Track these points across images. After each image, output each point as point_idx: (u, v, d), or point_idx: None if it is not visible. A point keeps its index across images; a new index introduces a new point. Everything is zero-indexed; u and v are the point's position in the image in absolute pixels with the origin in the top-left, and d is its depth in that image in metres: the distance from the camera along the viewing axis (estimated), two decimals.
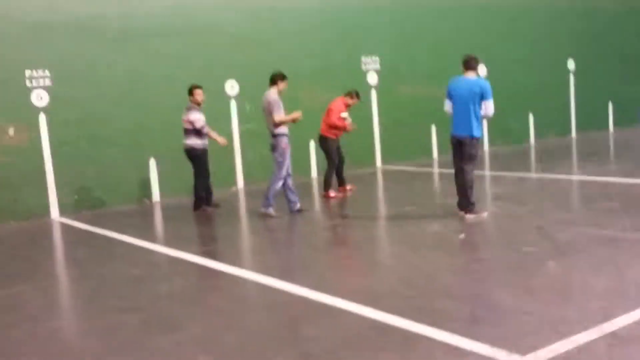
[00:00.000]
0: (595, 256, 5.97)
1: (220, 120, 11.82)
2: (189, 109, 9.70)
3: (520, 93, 15.73)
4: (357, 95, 10.61)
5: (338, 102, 10.48)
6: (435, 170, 13.12)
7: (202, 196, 9.78)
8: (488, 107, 7.83)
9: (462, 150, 7.96)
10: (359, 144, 13.50)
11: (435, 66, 14.22)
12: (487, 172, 11.94)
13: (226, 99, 11.94)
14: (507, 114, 14.27)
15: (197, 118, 9.61)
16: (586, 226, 7.13)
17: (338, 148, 10.48)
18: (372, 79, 13.84)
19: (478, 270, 5.97)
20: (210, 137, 9.82)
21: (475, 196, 8.06)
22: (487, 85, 7.86)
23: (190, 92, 9.75)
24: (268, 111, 8.86)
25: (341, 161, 10.52)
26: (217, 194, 10.53)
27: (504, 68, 15.38)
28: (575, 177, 10.77)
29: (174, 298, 5.77)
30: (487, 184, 10.86)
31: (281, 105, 8.86)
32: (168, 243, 7.89)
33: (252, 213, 9.35)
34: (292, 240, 7.89)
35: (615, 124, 18.20)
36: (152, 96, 11.03)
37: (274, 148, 8.98)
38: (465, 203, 8.01)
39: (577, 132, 17.35)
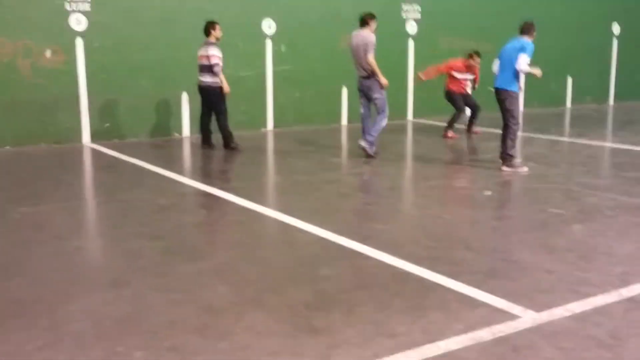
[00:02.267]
0: (621, 222, 5.90)
1: (255, 59, 11.77)
2: (207, 44, 9.50)
3: (560, 55, 15.35)
4: (477, 54, 11.31)
5: (458, 63, 11.24)
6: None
7: (228, 133, 9.71)
8: (520, 59, 7.96)
9: (499, 103, 8.24)
10: (392, 94, 13.38)
11: (475, 21, 13.95)
12: (520, 133, 11.76)
13: (262, 38, 11.84)
14: (546, 76, 13.95)
15: (217, 55, 9.38)
16: (615, 193, 7.03)
17: (468, 97, 11.41)
18: (411, 27, 13.60)
19: (501, 227, 5.95)
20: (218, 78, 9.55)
21: (514, 150, 8.24)
22: (530, 44, 8.03)
23: (212, 26, 9.52)
24: (363, 50, 8.80)
25: (476, 109, 11.44)
26: (246, 135, 10.56)
27: (546, 28, 14.85)
28: (608, 144, 10.59)
29: (197, 229, 5.86)
30: (520, 144, 10.72)
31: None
32: (195, 176, 7.98)
33: (280, 154, 9.37)
34: (317, 183, 7.91)
35: None
36: (187, 30, 10.94)
37: (367, 89, 8.98)
38: (502, 154, 8.24)
39: (615, 100, 16.97)
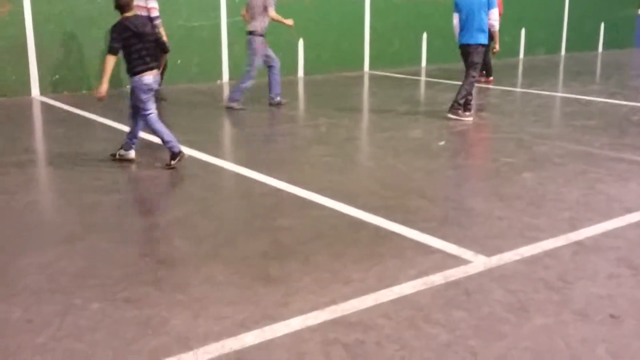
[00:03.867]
0: (569, 170, 6.06)
1: (207, 11, 11.54)
2: None
3: (514, 8, 15.44)
4: None
5: None
6: (423, 78, 13.03)
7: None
8: (493, 15, 8.20)
9: (466, 57, 8.35)
10: (348, 47, 13.32)
11: None
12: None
13: None
14: (500, 28, 14.04)
15: (155, 7, 8.99)
16: (564, 141, 7.20)
17: None
18: None
19: (454, 176, 6.05)
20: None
21: (463, 100, 8.37)
22: None
23: None
24: (262, 6, 8.69)
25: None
26: (201, 87, 10.40)
27: None
28: (559, 94, 10.78)
29: (151, 182, 5.81)
30: (474, 94, 10.82)
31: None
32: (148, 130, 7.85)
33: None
34: (273, 136, 7.89)
35: (605, 46, 18.06)
36: None
37: (247, 44, 9.01)
38: (453, 102, 8.37)
39: (566, 51, 17.22)
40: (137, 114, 6.15)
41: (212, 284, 3.66)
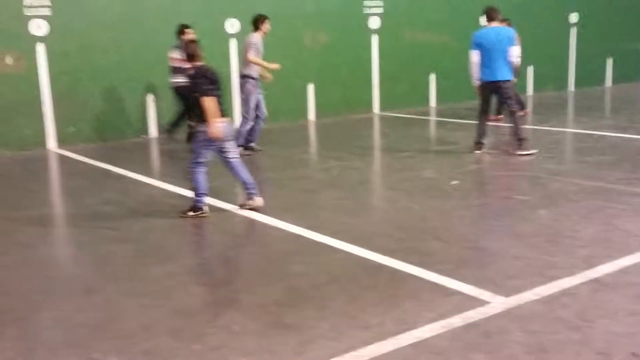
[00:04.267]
0: (584, 206, 6.03)
1: (219, 59, 11.71)
2: (174, 47, 9.78)
3: (520, 44, 15.54)
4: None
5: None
6: (433, 118, 13.10)
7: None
8: (515, 52, 8.53)
9: (498, 94, 8.63)
10: (357, 88, 13.45)
11: (437, 14, 14.10)
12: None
13: (226, 37, 11.79)
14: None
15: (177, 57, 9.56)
16: (578, 177, 7.18)
17: None
18: (374, 22, 13.65)
19: (468, 216, 6.04)
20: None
21: (524, 134, 8.60)
22: (513, 32, 8.65)
23: (181, 31, 9.73)
24: (245, 51, 8.95)
25: None
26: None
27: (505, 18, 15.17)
28: (571, 130, 10.78)
29: (167, 231, 5.84)
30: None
31: (260, 48, 8.97)
32: (164, 178, 7.93)
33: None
34: (284, 180, 7.93)
35: (613, 80, 18.10)
36: (149, 31, 10.87)
37: (240, 87, 9.19)
38: (517, 141, 8.51)
39: (575, 87, 17.27)
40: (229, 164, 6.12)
41: (228, 332, 3.65)
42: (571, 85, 17.33)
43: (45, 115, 10.27)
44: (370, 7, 13.52)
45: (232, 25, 11.84)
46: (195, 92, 5.81)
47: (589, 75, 17.48)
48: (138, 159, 9.69)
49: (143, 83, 10.93)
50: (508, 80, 8.49)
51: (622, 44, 18.00)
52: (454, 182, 7.20)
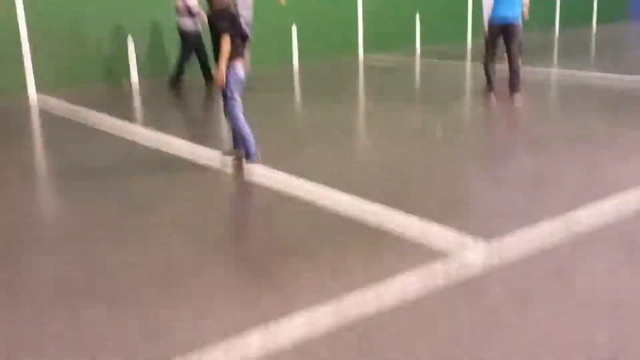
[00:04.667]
0: (567, 152, 6.06)
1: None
2: None
3: None
4: None
5: None
6: (418, 60, 12.99)
7: (178, 77, 10.13)
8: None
9: (506, 36, 8.48)
10: (341, 32, 13.28)
11: None
12: (469, 63, 11.85)
13: None
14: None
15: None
16: (562, 121, 7.19)
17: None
18: None
19: (453, 162, 6.04)
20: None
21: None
22: None
23: None
24: None
25: None
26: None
27: None
28: (555, 70, 10.76)
29: (150, 181, 5.81)
30: (468, 74, 10.81)
31: None
32: (147, 125, 7.85)
33: None
34: (268, 128, 7.88)
35: (598, 20, 17.99)
36: None
37: None
38: (516, 85, 8.59)
39: (560, 26, 17.15)
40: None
41: (213, 285, 3.68)
42: (557, 25, 17.22)
43: (25, 59, 10.07)
44: None
45: None
46: (215, 31, 5.70)
47: (576, 14, 17.36)
48: (120, 105, 9.57)
49: (124, 25, 10.72)
50: (518, 25, 8.54)
51: None
52: (438, 132, 7.19)
